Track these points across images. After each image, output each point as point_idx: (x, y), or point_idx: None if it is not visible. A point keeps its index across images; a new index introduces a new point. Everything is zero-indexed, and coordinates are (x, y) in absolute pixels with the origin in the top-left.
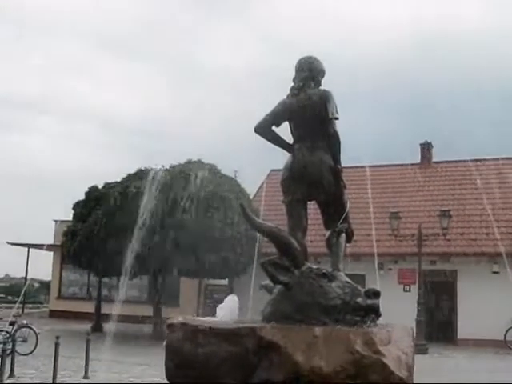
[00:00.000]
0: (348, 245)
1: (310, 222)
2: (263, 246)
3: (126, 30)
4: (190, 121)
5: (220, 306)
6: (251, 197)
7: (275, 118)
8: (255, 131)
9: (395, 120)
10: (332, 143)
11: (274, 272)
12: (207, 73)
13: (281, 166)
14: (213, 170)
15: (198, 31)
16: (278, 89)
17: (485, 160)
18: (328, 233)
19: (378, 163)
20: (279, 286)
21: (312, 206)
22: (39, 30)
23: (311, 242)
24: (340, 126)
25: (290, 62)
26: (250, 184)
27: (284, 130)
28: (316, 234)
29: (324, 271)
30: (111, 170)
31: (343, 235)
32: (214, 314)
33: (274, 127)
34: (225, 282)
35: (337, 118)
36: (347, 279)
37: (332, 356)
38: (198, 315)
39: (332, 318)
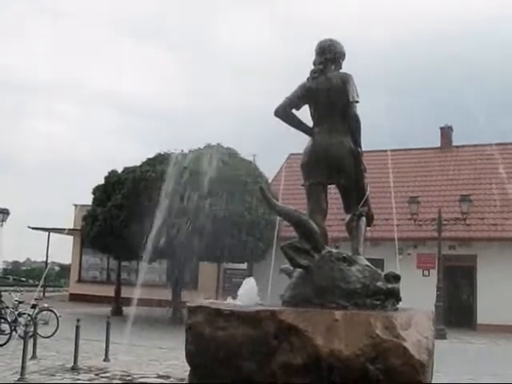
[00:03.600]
0: (368, 229)
1: (329, 205)
2: (282, 229)
3: (145, 14)
4: (208, 106)
5: (240, 289)
6: (270, 181)
7: (295, 101)
8: (275, 115)
9: (415, 103)
10: (352, 126)
11: (294, 255)
12: (227, 56)
13: (300, 150)
14: (231, 154)
15: (217, 16)
16: (298, 74)
17: (506, 144)
18: (348, 216)
19: (398, 147)
20: (299, 270)
21: (332, 190)
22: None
23: (330, 226)
24: (360, 109)
25: (310, 46)
26: (269, 168)
27: (304, 114)
28: (335, 218)
29: (344, 255)
30: (130, 155)
31: (363, 219)
32: (233, 298)
33: (293, 110)
34: (244, 266)
35: (357, 101)
36: (367, 263)
37: (352, 339)
38: (217, 299)
39: (352, 301)
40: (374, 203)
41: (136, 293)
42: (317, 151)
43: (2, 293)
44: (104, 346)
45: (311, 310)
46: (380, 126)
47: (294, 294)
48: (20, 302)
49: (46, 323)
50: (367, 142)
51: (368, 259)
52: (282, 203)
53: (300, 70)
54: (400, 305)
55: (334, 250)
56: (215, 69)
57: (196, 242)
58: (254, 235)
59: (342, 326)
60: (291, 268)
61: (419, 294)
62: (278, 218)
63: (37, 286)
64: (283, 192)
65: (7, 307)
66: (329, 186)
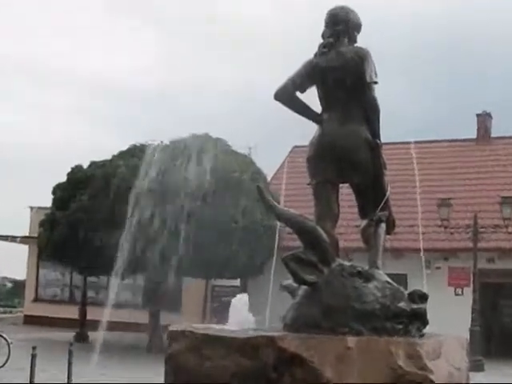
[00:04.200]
0: (388, 237)
1: (341, 208)
2: (284, 238)
3: None
4: (195, 88)
5: (231, 310)
6: (269, 179)
7: (299, 81)
8: (275, 98)
9: (446, 85)
10: (369, 113)
11: (298, 269)
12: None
13: (306, 142)
14: (222, 145)
15: None
16: (302, 51)
17: None
18: (364, 222)
19: (426, 138)
20: (304, 287)
21: (344, 190)
22: None
23: (341, 234)
24: (379, 92)
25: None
26: (268, 164)
27: (310, 97)
28: (349, 224)
29: (359, 269)
30: (99, 147)
31: (382, 225)
32: (223, 321)
33: (298, 93)
34: (236, 282)
35: (376, 82)
36: (387, 279)
37: (368, 372)
38: (203, 322)
39: (368, 325)
40: (395, 206)
41: (105, 315)
42: (326, 142)
43: None
44: (65, 378)
45: (318, 335)
46: (403, 112)
47: (297, 316)
48: None
49: None
50: (387, 132)
51: (388, 274)
52: (283, 206)
53: (305, 45)
54: (427, 329)
55: (346, 263)
56: (206, 45)
57: (178, 253)
58: (250, 245)
59: (356, 356)
60: (294, 285)
61: (450, 317)
62: (279, 223)
63: None
64: (285, 192)
65: None
66: (341, 186)
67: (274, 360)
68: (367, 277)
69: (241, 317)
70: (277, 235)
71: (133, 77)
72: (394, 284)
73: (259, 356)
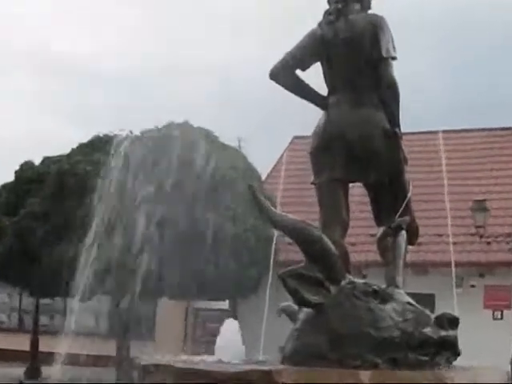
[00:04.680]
0: (410, 248)
1: (352, 213)
2: (282, 250)
3: None
4: (172, 69)
5: (219, 338)
6: (264, 177)
7: (300, 57)
8: (271, 77)
9: (480, 64)
10: (386, 95)
11: (300, 288)
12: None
13: (308, 131)
14: (207, 137)
15: None
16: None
17: None
18: (380, 230)
19: (455, 127)
20: (306, 310)
21: (356, 191)
22: None
23: (353, 244)
24: (398, 71)
25: None
26: (263, 159)
27: (313, 77)
28: (362, 232)
29: (374, 287)
30: (54, 139)
31: (403, 234)
32: (209, 351)
33: (298, 71)
34: (224, 304)
35: (394, 58)
36: (409, 300)
37: None
38: (184, 353)
39: (386, 356)
40: (419, 210)
41: (62, 345)
42: (333, 132)
43: None
44: None
45: (325, 369)
46: (427, 94)
47: (298, 346)
48: None
49: None
50: (409, 119)
51: (410, 294)
52: (281, 210)
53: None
54: (458, 361)
55: (358, 281)
56: (184, 17)
57: (152, 269)
58: (241, 258)
59: None
60: (295, 307)
61: (487, 345)
62: (276, 232)
63: None
64: (284, 194)
65: None
66: (351, 185)
67: None
68: (384, 297)
69: (230, 346)
70: (273, 246)
71: (96, 59)
72: (418, 306)
73: None
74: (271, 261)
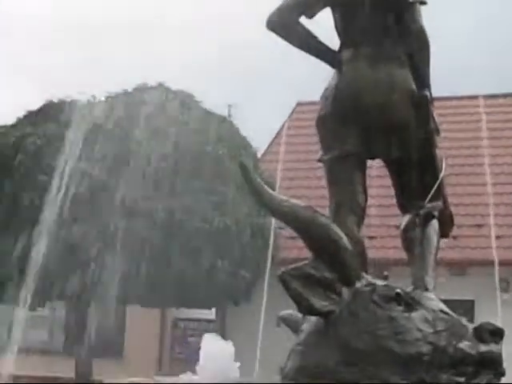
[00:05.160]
0: (443, 242)
1: (370, 199)
2: (282, 245)
3: None
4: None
5: (202, 355)
6: (260, 153)
7: (305, 0)
8: (268, 26)
9: None
10: (414, 50)
11: (305, 292)
12: None
13: (315, 96)
14: (188, 102)
15: None
16: None
17: None
18: (405, 219)
19: (499, 91)
20: (313, 320)
21: (374, 171)
22: None
23: (372, 238)
24: (431, 24)
25: None
26: (258, 131)
27: (321, 27)
28: (383, 222)
29: (398, 291)
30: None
31: (434, 223)
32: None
33: (302, 18)
34: (210, 313)
35: (423, 3)
36: (441, 307)
37: None
38: (160, 374)
39: (413, 377)
40: (453, 195)
41: (6, 365)
42: (347, 95)
43: None
44: None
45: None
46: (466, 51)
47: (303, 365)
48: None
49: None
50: (442, 82)
51: (444, 300)
52: (281, 194)
53: None
54: (503, 382)
55: (378, 283)
56: None
57: (117, 269)
58: (231, 256)
59: None
60: (298, 315)
61: None
62: (274, 221)
63: None
64: (285, 174)
65: None
66: (369, 163)
67: None
68: (410, 303)
69: (217, 364)
70: (271, 241)
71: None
72: (453, 314)
73: None
74: (268, 259)
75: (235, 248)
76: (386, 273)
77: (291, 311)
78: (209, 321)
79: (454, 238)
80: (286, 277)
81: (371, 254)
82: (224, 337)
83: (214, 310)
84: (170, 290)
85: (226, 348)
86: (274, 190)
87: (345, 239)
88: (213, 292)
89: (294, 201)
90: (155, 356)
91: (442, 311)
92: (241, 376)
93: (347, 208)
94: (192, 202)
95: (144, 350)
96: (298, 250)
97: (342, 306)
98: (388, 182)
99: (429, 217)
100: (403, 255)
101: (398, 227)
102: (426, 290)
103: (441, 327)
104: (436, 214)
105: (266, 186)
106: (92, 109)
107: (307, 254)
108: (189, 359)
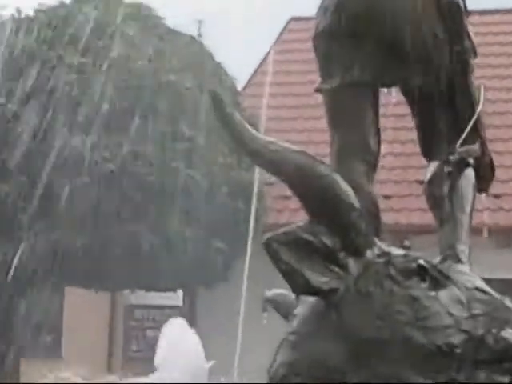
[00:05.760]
0: (481, 201)
1: (386, 144)
2: (269, 208)
3: None
4: None
5: (159, 350)
6: (240, 86)
7: None
8: None
9: None
10: None
11: (298, 264)
12: None
13: (311, 11)
14: (143, 17)
15: None
16: None
17: None
18: (431, 168)
19: None
20: (310, 301)
21: (390, 107)
22: None
23: (388, 197)
24: None
25: None
26: (238, 56)
27: None
28: (403, 177)
29: (421, 263)
30: None
31: (468, 174)
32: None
33: None
34: (176, 298)
35: None
36: (479, 283)
37: None
38: (110, 372)
39: (441, 376)
40: (494, 139)
41: None
42: (353, 5)
43: None
44: None
45: None
46: None
47: (297, 360)
48: None
49: None
50: None
51: (484, 279)
52: (266, 135)
53: None
54: None
55: (396, 252)
56: None
57: (51, 239)
58: (202, 222)
59: None
60: (290, 296)
61: None
62: (258, 174)
63: None
64: (272, 113)
65: None
66: (384, 92)
67: None
68: (438, 278)
69: (184, 361)
70: (254, 200)
71: None
72: (494, 293)
73: None
74: (251, 224)
75: (207, 211)
76: (406, 242)
77: (281, 291)
78: (174, 307)
79: (496, 196)
80: (273, 244)
81: (387, 218)
82: (194, 327)
83: (180, 293)
84: (121, 267)
85: (193, 339)
86: (257, 130)
87: (352, 194)
88: (179, 269)
89: (284, 144)
90: (103, 355)
91: (479, 289)
92: (213, 376)
93: (354, 154)
94: (148, 150)
95: (88, 348)
96: (289, 214)
97: (347, 283)
98: (409, 121)
99: (462, 165)
100: (430, 220)
101: (422, 183)
102: (459, 261)
103: (478, 310)
104: (471, 161)
105: (246, 124)
106: (15, 26)
107: (303, 217)
108: (147, 358)
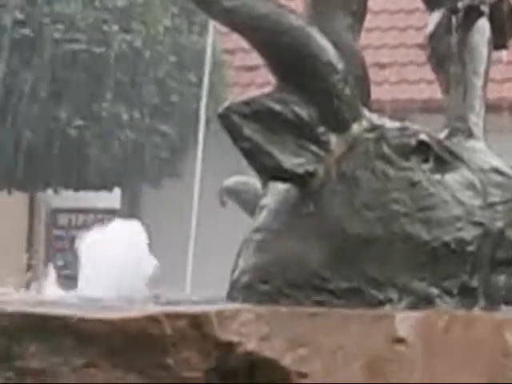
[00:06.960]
0: (502, 55)
1: None
2: (230, 82)
3: None
4: None
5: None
6: None
7: None
8: None
9: None
10: None
11: (265, 142)
12: None
13: None
14: None
15: None
16: None
17: None
18: (434, 18)
19: None
20: (281, 189)
21: None
22: None
23: (382, 66)
24: None
25: None
26: None
27: None
28: (399, 40)
29: (423, 137)
30: None
31: (482, 25)
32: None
33: None
34: (112, 198)
35: None
36: (496, 163)
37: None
38: (27, 288)
39: (449, 281)
40: None
41: None
42: None
43: None
44: None
45: (321, 310)
46: None
47: (265, 263)
48: None
49: None
50: None
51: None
52: None
53: None
54: None
55: (390, 125)
56: None
57: None
58: (140, 103)
59: (420, 353)
60: (255, 184)
61: None
62: (212, 35)
63: None
64: None
65: None
66: None
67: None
68: (444, 157)
69: (120, 269)
70: (206, 69)
71: None
72: None
73: (163, 358)
74: (203, 101)
75: (150, 87)
76: (407, 119)
77: (243, 178)
78: (110, 211)
79: None
80: (232, 117)
81: (382, 92)
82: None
83: (118, 191)
84: (41, 161)
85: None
86: None
87: (332, 52)
88: (115, 162)
89: None
90: (22, 266)
91: (497, 171)
92: (156, 288)
93: (335, 3)
94: (77, 18)
95: (2, 264)
96: (256, 89)
97: (328, 165)
98: None
99: (474, 14)
100: (435, 93)
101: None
102: (471, 136)
103: (496, 198)
104: (486, 9)
105: None
106: None
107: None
108: (72, 262)
